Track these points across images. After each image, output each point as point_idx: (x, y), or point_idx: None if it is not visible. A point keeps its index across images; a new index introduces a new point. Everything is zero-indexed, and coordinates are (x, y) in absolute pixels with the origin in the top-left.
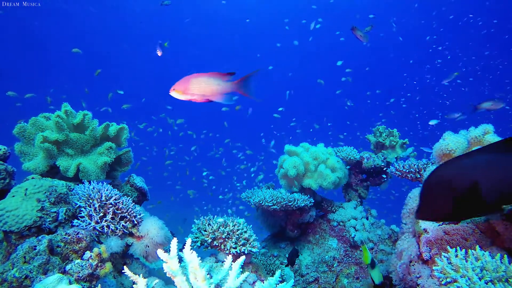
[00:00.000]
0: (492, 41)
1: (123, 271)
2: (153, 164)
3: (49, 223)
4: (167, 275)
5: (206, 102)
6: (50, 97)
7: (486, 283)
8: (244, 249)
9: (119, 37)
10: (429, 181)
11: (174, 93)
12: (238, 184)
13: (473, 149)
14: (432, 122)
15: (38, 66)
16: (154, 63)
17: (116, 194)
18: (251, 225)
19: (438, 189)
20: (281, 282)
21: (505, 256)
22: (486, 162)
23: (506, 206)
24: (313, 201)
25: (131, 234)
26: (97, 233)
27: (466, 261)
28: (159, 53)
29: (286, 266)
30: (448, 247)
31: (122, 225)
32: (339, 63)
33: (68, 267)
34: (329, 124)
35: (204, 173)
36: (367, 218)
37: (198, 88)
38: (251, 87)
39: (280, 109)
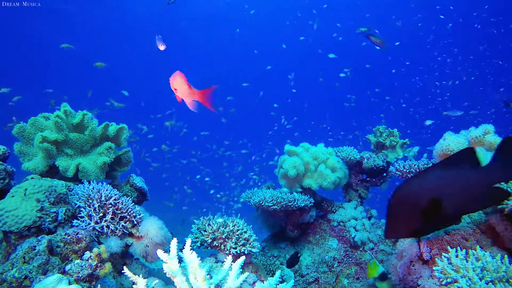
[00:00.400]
0: (489, 41)
1: (122, 271)
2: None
3: (49, 223)
4: (167, 275)
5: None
6: (47, 97)
7: (487, 284)
8: (244, 250)
9: (119, 38)
10: (393, 200)
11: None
12: (234, 184)
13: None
14: (428, 122)
15: (37, 66)
16: (155, 64)
17: (115, 194)
18: (251, 226)
19: (403, 208)
20: (281, 282)
21: (506, 256)
22: (446, 178)
23: (502, 206)
24: (313, 201)
25: (130, 234)
26: (97, 233)
27: (467, 262)
28: (161, 47)
29: (287, 267)
30: (449, 247)
31: (122, 225)
32: (331, 55)
33: (67, 267)
34: (324, 126)
35: (198, 176)
36: (369, 219)
37: (175, 84)
38: (212, 99)
39: (275, 105)
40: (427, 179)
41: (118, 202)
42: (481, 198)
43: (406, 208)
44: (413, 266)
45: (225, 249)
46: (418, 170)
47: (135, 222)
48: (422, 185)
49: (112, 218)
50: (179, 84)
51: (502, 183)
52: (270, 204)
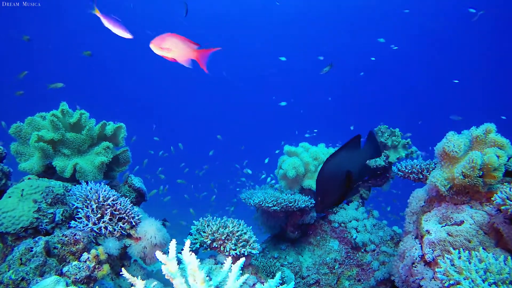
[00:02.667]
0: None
1: (121, 273)
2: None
3: (46, 224)
4: (166, 277)
5: (172, 62)
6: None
7: (490, 285)
8: (244, 251)
9: (120, 38)
10: (320, 179)
11: (151, 46)
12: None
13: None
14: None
15: (37, 66)
16: (156, 64)
17: (114, 195)
18: (250, 227)
19: (328, 183)
20: (281, 284)
21: (509, 258)
22: (349, 157)
23: (505, 206)
24: (314, 202)
25: (129, 236)
26: (95, 234)
27: (470, 263)
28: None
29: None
30: (451, 249)
31: (120, 226)
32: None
33: (65, 269)
34: (315, 130)
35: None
36: (373, 218)
37: (170, 45)
38: (207, 60)
39: (275, 94)
40: (339, 158)
41: (116, 203)
42: (364, 169)
43: (331, 182)
44: (415, 267)
45: (225, 251)
46: (420, 171)
47: (134, 223)
48: (339, 164)
49: (110, 219)
50: (175, 44)
51: (505, 184)
52: (270, 205)
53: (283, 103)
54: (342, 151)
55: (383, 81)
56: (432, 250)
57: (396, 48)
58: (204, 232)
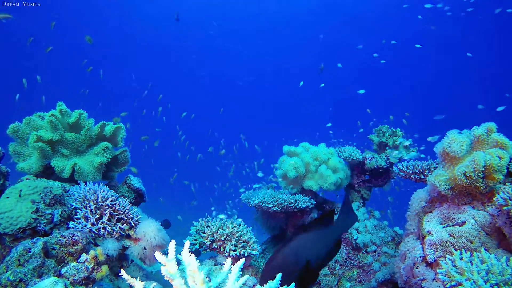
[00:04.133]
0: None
1: (120, 274)
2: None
3: (44, 225)
4: (165, 278)
5: None
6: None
7: (492, 287)
8: (244, 252)
9: (121, 38)
10: (268, 271)
11: None
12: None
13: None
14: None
15: (38, 66)
16: (157, 64)
17: (112, 196)
18: (251, 227)
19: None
20: (281, 285)
21: (511, 258)
22: (311, 241)
23: (507, 207)
24: (315, 202)
25: (128, 236)
26: (93, 235)
27: (471, 264)
28: None
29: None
30: (453, 250)
31: (119, 227)
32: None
33: (63, 270)
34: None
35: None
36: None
37: None
38: None
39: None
40: (297, 244)
41: (115, 204)
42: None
43: (284, 274)
44: (416, 268)
45: (225, 251)
46: (421, 171)
47: (133, 224)
48: (295, 252)
49: (109, 220)
50: None
51: (507, 184)
52: (270, 206)
53: (362, 91)
54: (305, 232)
55: (387, 80)
56: (434, 251)
57: (394, 42)
58: (203, 232)
